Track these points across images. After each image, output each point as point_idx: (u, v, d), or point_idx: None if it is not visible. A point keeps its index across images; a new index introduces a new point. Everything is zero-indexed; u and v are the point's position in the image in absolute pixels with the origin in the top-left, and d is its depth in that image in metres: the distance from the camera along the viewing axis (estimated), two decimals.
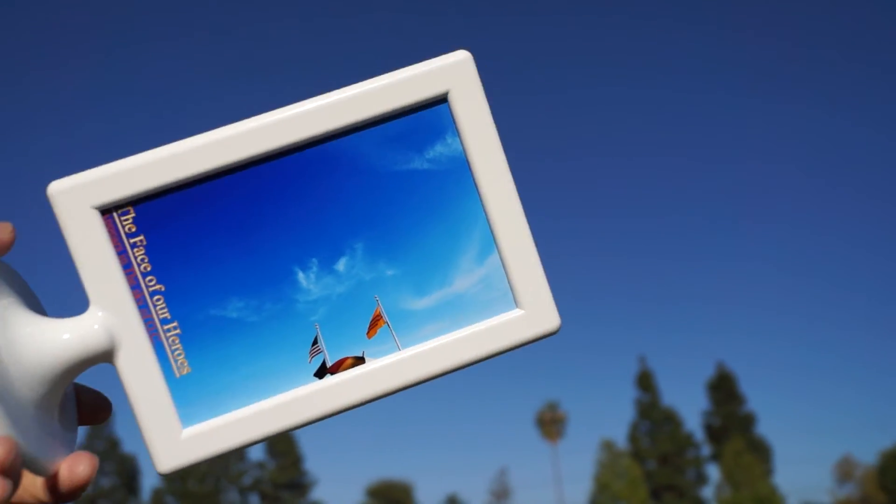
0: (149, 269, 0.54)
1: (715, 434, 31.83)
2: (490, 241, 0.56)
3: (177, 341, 0.54)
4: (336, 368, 0.55)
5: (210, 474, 30.71)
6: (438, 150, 0.56)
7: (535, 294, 0.56)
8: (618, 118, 43.51)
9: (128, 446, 31.01)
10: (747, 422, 31.68)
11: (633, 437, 31.60)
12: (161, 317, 0.54)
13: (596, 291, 43.28)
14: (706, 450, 31.99)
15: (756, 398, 42.20)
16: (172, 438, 0.53)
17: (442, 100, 0.56)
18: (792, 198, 42.47)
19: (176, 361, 0.54)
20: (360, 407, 0.56)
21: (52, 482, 0.50)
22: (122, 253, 0.53)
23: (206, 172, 0.54)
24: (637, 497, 29.07)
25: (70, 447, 0.53)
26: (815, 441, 41.53)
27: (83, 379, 0.56)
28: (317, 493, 33.73)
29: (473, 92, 0.56)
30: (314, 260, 0.55)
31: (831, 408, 41.66)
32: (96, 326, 0.52)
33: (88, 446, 29.61)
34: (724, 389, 31.98)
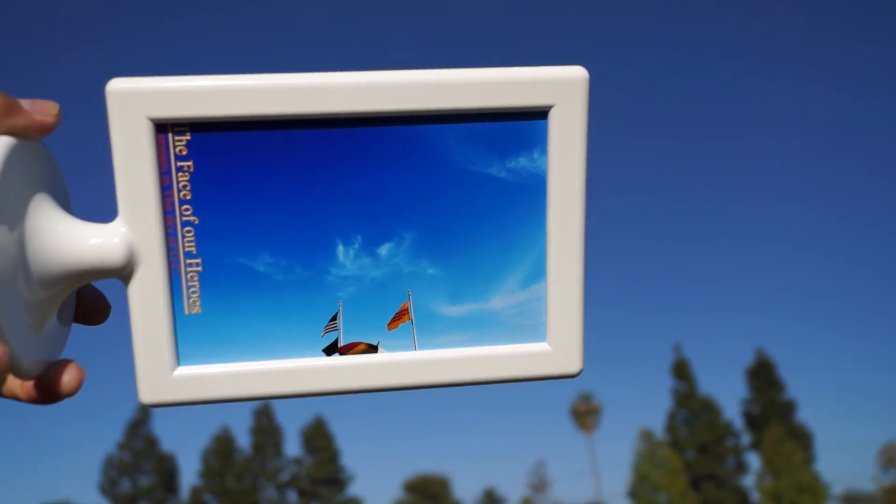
0: (188, 197, 0.50)
1: (754, 422, 31.44)
2: (541, 270, 0.54)
3: (195, 278, 0.51)
4: (347, 350, 0.53)
5: (248, 471, 30.91)
6: (522, 162, 0.53)
7: (567, 335, 0.55)
8: (641, 98, 43.21)
9: (166, 445, 31.23)
10: (787, 409, 31.26)
11: (671, 426, 31.27)
12: (186, 249, 0.51)
13: (628, 279, 43.07)
14: (745, 438, 31.60)
15: (796, 385, 41.93)
16: (164, 373, 0.51)
17: (543, 113, 0.52)
18: (835, 181, 42.01)
19: (189, 298, 0.51)
20: (362, 394, 0.54)
21: (33, 384, 0.49)
22: (165, 173, 0.49)
23: (279, 116, 0.49)
24: (676, 487, 28.84)
25: (59, 349, 0.51)
26: (858, 427, 40.95)
27: None
28: (354, 488, 33.90)
29: (577, 115, 0.52)
30: (359, 237, 0.52)
31: (874, 393, 41.02)
32: (117, 240, 0.49)
33: (127, 444, 29.91)
34: (763, 376, 31.56)
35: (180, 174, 0.50)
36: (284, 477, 32.21)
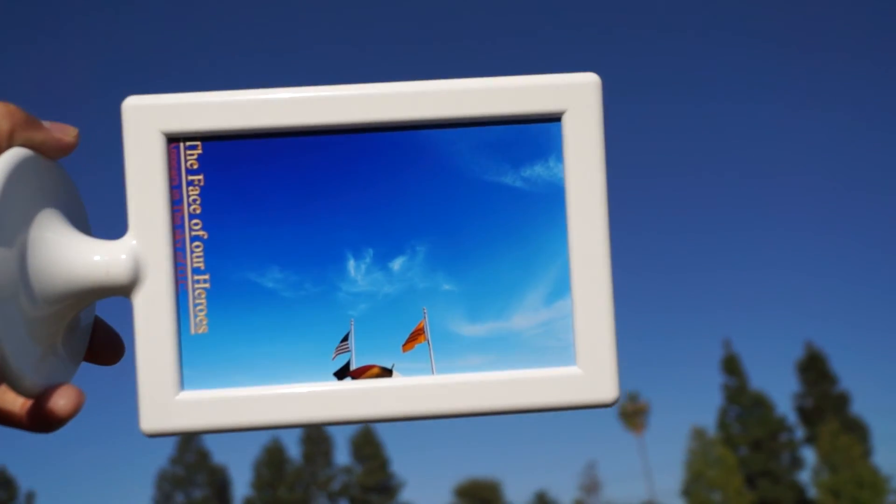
0: (198, 211, 0.49)
1: (808, 416, 30.83)
2: (565, 285, 0.50)
3: (202, 295, 0.50)
4: (359, 374, 0.50)
5: (299, 482, 31.10)
6: (537, 170, 0.51)
7: (600, 358, 0.50)
8: (679, 88, 42.91)
9: (217, 457, 31.54)
10: (841, 402, 30.62)
11: (723, 423, 30.77)
12: (195, 265, 0.49)
13: (674, 274, 42.67)
14: (800, 433, 31.12)
15: (849, 377, 41.07)
16: (166, 398, 0.49)
17: (556, 118, 0.50)
18: (889, 167, 41.34)
19: (195, 317, 0.49)
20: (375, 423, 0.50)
21: (28, 406, 0.47)
22: (175, 187, 0.49)
23: (288, 128, 0.50)
24: (731, 484, 28.43)
25: (65, 378, 0.49)
26: None
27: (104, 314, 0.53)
28: (405, 494, 33.88)
29: (592, 119, 0.50)
30: (370, 251, 0.50)
31: None
32: (124, 256, 0.48)
33: (179, 458, 30.24)
34: (814, 370, 30.95)
35: (191, 188, 0.49)
36: (335, 486, 32.12)
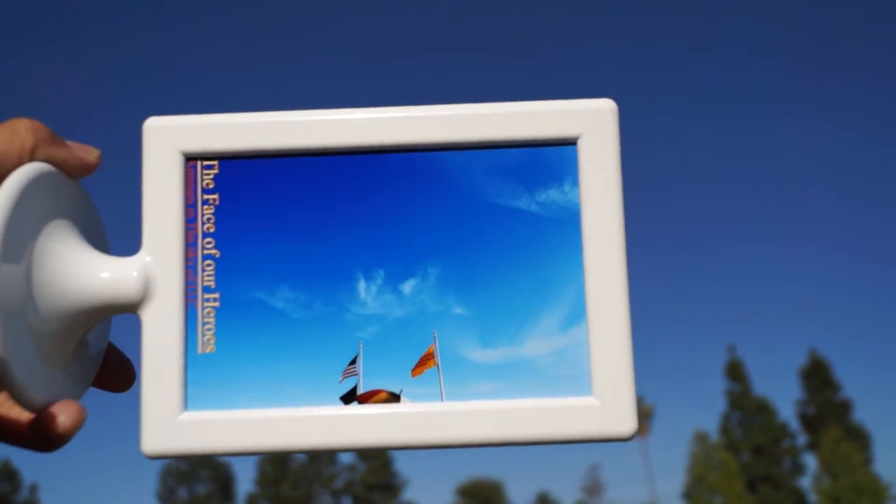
0: (211, 230, 0.50)
1: (810, 423, 30.88)
2: (580, 311, 0.49)
3: (212, 314, 0.49)
4: (366, 399, 0.49)
5: (303, 479, 31.13)
6: (552, 194, 0.50)
7: (617, 389, 0.49)
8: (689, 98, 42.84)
9: None
10: (844, 409, 30.65)
11: (726, 428, 30.82)
12: (205, 284, 0.49)
13: (681, 281, 42.67)
14: (802, 439, 31.14)
15: (851, 385, 41.01)
16: (169, 417, 0.48)
17: (571, 142, 0.50)
18: (888, 177, 41.24)
19: (203, 336, 0.49)
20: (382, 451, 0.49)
21: (29, 421, 0.46)
22: (191, 206, 0.50)
23: (303, 149, 0.50)
24: (733, 489, 28.42)
25: (71, 396, 0.48)
26: None
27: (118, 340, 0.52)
28: (408, 493, 33.88)
29: (608, 144, 0.50)
30: (381, 272, 0.49)
31: None
32: (135, 273, 0.48)
33: None
34: (817, 377, 30.97)
35: (206, 207, 0.50)
36: (339, 483, 32.10)
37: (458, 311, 0.49)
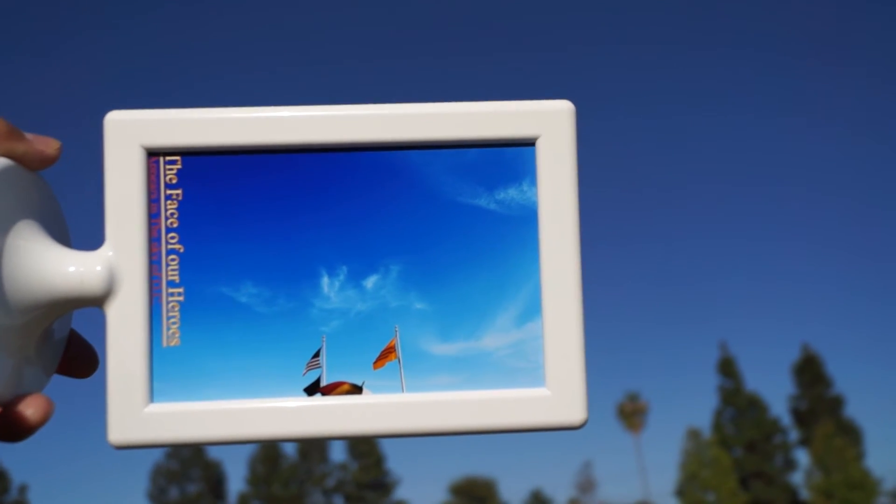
0: (175, 224, 0.50)
1: (802, 418, 30.93)
2: (536, 307, 0.51)
3: (176, 308, 0.50)
4: (329, 390, 0.50)
5: (294, 478, 31.09)
6: (511, 193, 0.51)
7: (568, 380, 0.51)
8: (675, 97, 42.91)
9: (213, 452, 31.55)
10: (836, 404, 30.70)
11: (718, 424, 30.88)
12: (169, 278, 0.50)
13: (673, 277, 42.71)
14: (794, 435, 31.17)
15: (843, 380, 41.12)
16: (135, 410, 0.49)
17: (529, 143, 0.51)
18: (880, 172, 41.34)
19: (168, 329, 0.50)
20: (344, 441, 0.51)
21: None
22: (154, 201, 0.50)
23: (267, 146, 0.50)
24: (725, 485, 28.43)
25: (36, 388, 0.49)
26: None
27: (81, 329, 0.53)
28: (400, 492, 33.86)
29: (565, 145, 0.51)
30: (344, 268, 0.51)
31: None
32: (99, 268, 0.49)
33: (174, 453, 30.24)
34: (809, 372, 31.03)
35: (169, 202, 0.50)
36: (330, 482, 32.10)
37: (418, 306, 0.51)
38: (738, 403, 30.58)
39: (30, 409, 0.46)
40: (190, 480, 31.07)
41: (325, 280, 0.50)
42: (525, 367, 0.51)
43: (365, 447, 31.96)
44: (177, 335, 0.50)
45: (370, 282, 0.51)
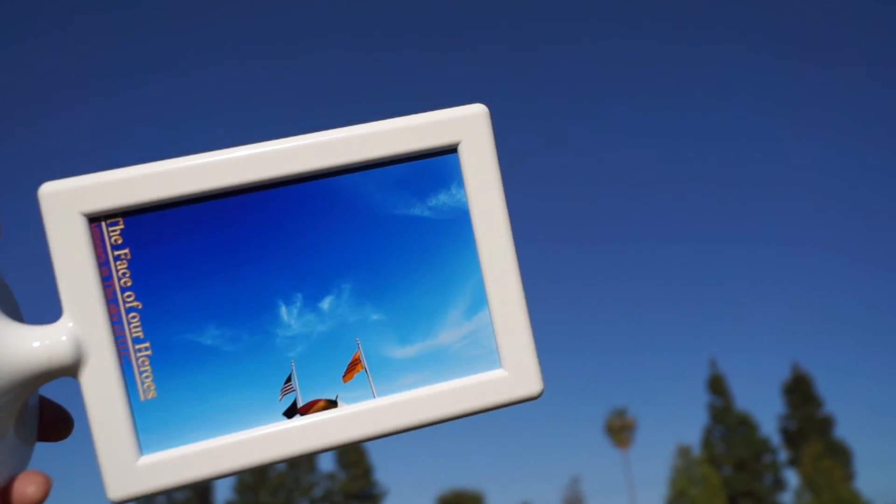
0: (129, 284, 0.51)
1: (792, 438, 30.94)
2: (481, 298, 0.55)
3: (146, 363, 0.52)
4: (307, 410, 0.53)
5: (282, 487, 30.97)
6: (442, 199, 0.55)
7: (521, 357, 0.55)
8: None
9: None
10: (826, 425, 30.72)
11: (707, 442, 30.86)
12: (134, 335, 0.51)
13: (663, 293, 42.71)
14: (783, 455, 31.19)
15: (834, 400, 41.15)
16: (127, 465, 0.51)
17: (452, 150, 0.55)
18: (876, 187, 41.46)
19: (143, 384, 0.51)
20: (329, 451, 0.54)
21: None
22: (103, 264, 0.51)
23: (202, 193, 0.52)
24: None
25: (24, 462, 0.50)
26: None
27: (47, 391, 0.54)
28: (388, 503, 33.76)
29: (484, 147, 0.55)
30: (299, 295, 0.53)
31: None
32: (64, 338, 0.50)
33: None
34: (799, 392, 31.06)
35: (118, 262, 0.51)
36: (318, 492, 32.07)
37: (375, 317, 0.54)
38: (728, 422, 30.52)
39: (31, 486, 0.47)
40: (177, 489, 30.96)
41: (283, 309, 0.53)
42: (481, 353, 0.55)
43: (353, 457, 31.88)
44: (152, 388, 0.52)
45: (326, 303, 0.53)
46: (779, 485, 30.60)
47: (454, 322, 0.55)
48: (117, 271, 0.51)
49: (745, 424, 30.46)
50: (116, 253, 0.51)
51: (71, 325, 0.50)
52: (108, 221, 0.51)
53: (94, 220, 0.51)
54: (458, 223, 0.55)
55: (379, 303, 0.54)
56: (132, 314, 0.51)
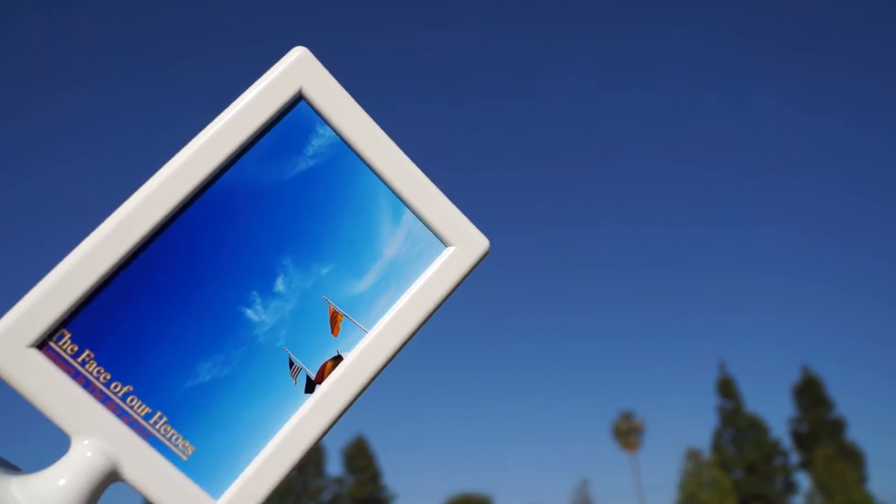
0: (109, 377, 0.52)
1: (803, 441, 30.76)
2: (397, 202, 0.59)
3: (169, 429, 0.53)
4: (321, 377, 0.56)
5: (290, 492, 30.85)
6: (315, 143, 0.57)
7: (455, 227, 0.60)
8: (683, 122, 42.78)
9: None
10: (837, 427, 30.53)
11: (717, 445, 30.70)
12: (143, 414, 0.52)
13: (672, 295, 42.53)
14: (794, 457, 30.98)
15: (845, 403, 40.90)
16: None
17: (298, 98, 0.57)
18: (880, 191, 41.24)
19: (178, 447, 0.53)
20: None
21: None
22: (76, 376, 0.51)
23: (114, 266, 0.52)
24: None
25: None
26: None
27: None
28: None
29: (321, 79, 0.57)
30: (254, 293, 0.55)
31: None
32: (89, 454, 0.50)
33: None
34: (810, 394, 30.89)
35: (87, 366, 0.51)
36: (326, 496, 32.07)
37: (325, 271, 0.57)
38: (738, 425, 30.29)
39: None
40: None
41: (249, 311, 0.55)
42: (427, 245, 0.60)
43: (362, 461, 31.76)
44: (187, 444, 0.53)
45: (280, 285, 0.56)
46: (790, 488, 30.36)
47: (389, 233, 0.59)
48: (91, 374, 0.51)
49: (755, 427, 30.24)
50: (80, 359, 0.51)
51: (86, 441, 0.50)
52: (55, 338, 0.51)
53: (42, 345, 0.50)
54: (341, 153, 0.58)
55: (321, 258, 0.57)
56: (129, 398, 0.52)
